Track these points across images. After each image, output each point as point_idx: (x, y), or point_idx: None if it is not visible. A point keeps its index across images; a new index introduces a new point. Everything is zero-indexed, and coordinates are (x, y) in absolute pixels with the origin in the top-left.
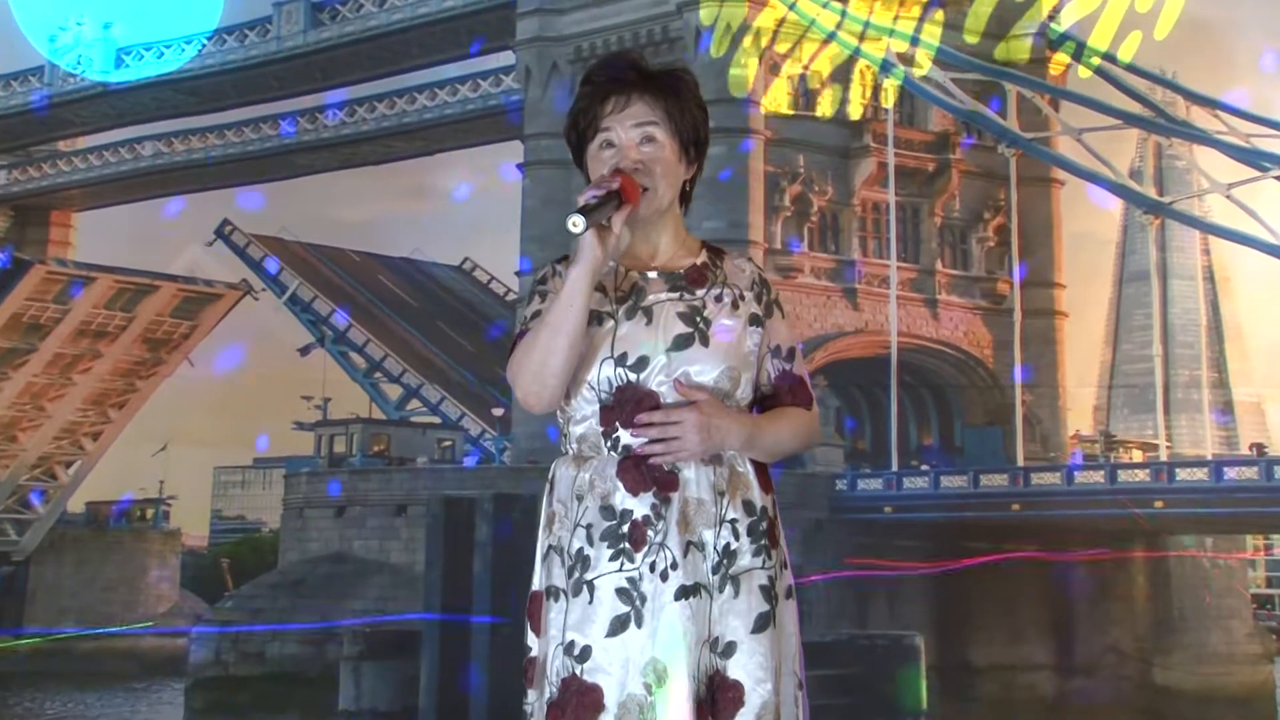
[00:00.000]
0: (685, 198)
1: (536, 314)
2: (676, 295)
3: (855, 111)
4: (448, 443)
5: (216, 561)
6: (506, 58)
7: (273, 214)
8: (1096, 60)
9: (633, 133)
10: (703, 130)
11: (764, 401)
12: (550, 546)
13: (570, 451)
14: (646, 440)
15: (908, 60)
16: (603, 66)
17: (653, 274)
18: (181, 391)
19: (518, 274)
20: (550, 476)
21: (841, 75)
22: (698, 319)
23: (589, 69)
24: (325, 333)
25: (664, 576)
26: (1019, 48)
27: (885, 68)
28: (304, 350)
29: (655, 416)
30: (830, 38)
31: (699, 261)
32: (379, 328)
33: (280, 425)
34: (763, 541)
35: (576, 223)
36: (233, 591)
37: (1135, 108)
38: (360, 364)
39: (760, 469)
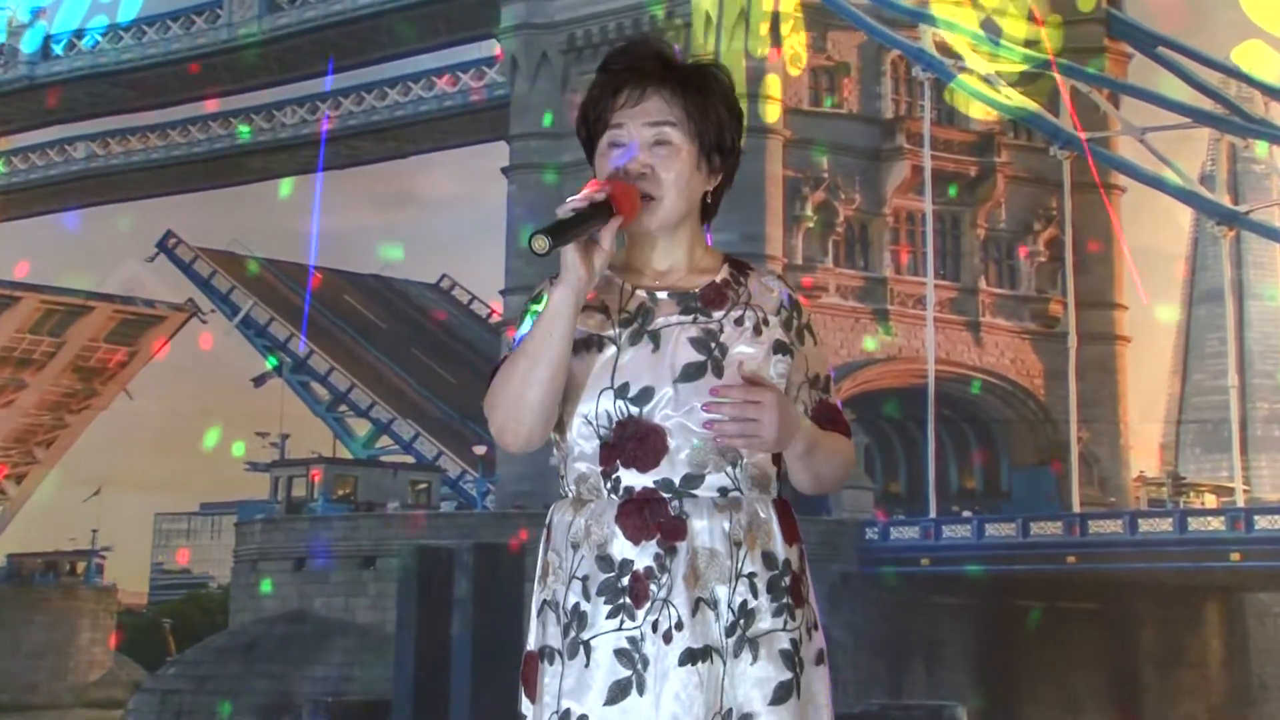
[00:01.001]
0: (708, 211)
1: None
2: (689, 318)
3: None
4: (423, 485)
5: (157, 622)
6: (490, 47)
7: (224, 224)
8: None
9: (645, 132)
10: (729, 135)
11: None
12: (545, 601)
13: (569, 494)
14: (715, 419)
15: (946, 50)
16: (622, 54)
17: (663, 294)
18: (118, 428)
19: (502, 293)
20: (548, 522)
21: (871, 67)
22: (712, 345)
23: (607, 55)
24: (283, 360)
25: (667, 638)
26: (1079, 34)
27: (921, 59)
28: (259, 380)
29: (734, 393)
30: (859, 24)
31: (719, 279)
32: (345, 355)
33: (231, 466)
34: (785, 600)
35: (541, 244)
36: (176, 656)
37: (1206, 104)
38: (323, 396)
39: (785, 515)
